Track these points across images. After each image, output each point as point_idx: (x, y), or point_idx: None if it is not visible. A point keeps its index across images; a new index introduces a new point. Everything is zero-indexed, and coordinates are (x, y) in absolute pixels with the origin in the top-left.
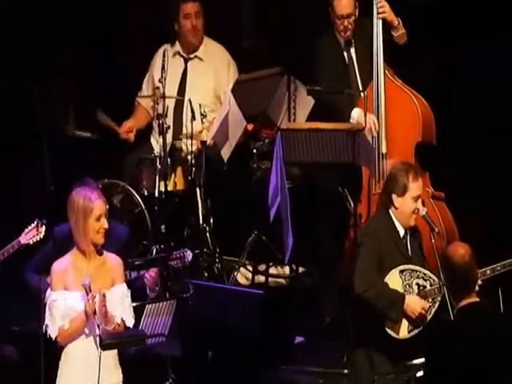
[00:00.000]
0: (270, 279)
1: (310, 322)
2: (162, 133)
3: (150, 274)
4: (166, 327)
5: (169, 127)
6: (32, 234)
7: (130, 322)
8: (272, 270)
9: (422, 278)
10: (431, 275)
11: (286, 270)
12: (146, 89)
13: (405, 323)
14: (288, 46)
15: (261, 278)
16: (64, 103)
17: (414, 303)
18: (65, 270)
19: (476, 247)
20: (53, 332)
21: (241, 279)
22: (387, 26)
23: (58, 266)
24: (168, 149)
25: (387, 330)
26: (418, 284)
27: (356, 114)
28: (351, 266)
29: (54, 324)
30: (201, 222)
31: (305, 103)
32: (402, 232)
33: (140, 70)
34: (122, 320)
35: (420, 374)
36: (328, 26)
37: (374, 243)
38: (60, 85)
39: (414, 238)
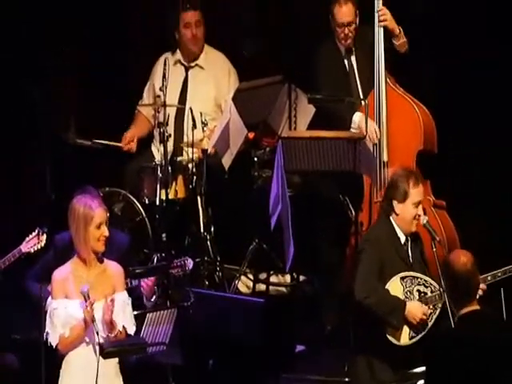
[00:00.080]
0: (270, 287)
1: (311, 331)
2: (163, 141)
3: (147, 283)
4: (166, 336)
5: (170, 135)
6: (33, 243)
7: (131, 330)
8: (273, 279)
9: (423, 284)
10: (432, 282)
11: (287, 278)
12: (146, 97)
13: (406, 330)
14: (289, 54)
15: (262, 287)
16: (65, 110)
17: (415, 309)
18: (65, 279)
19: (477, 255)
20: (53, 340)
21: (242, 287)
22: (388, 35)
23: (59, 274)
24: (169, 157)
25: (388, 336)
26: (418, 291)
27: (358, 118)
28: (352, 274)
29: (55, 332)
30: (202, 230)
31: (305, 111)
32: (403, 239)
33: (140, 70)
34: (124, 327)
35: (421, 382)
36: (328, 33)
37: (375, 250)
38: (60, 85)
39: (415, 245)
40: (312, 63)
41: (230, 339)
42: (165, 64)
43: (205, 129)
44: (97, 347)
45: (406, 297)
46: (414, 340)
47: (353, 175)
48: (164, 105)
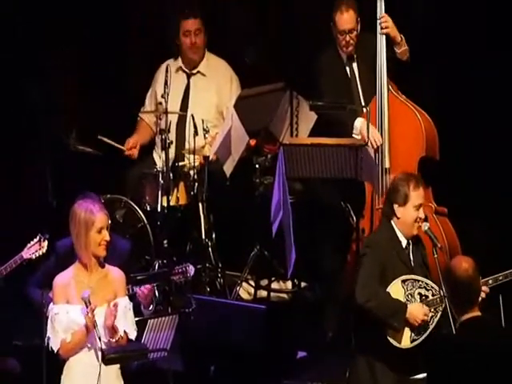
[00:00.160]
0: (272, 294)
1: (313, 337)
2: (165, 148)
3: (142, 290)
4: (168, 342)
5: (171, 142)
6: (34, 249)
7: (133, 335)
8: (274, 285)
9: (425, 287)
10: (433, 285)
11: (289, 284)
12: (148, 104)
13: (407, 332)
14: (290, 61)
15: (263, 293)
16: (66, 114)
17: (417, 311)
18: (67, 284)
19: (479, 260)
20: (55, 345)
21: (243, 294)
22: (390, 42)
23: (60, 279)
24: (170, 164)
25: (389, 338)
26: (420, 294)
27: (359, 123)
28: (353, 280)
29: (56, 337)
30: (203, 236)
31: (307, 118)
32: (404, 242)
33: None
34: (125, 332)
35: None
36: (330, 41)
37: (376, 254)
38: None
39: (416, 249)
40: (314, 70)
41: (232, 345)
42: (166, 71)
43: (206, 136)
44: (99, 353)
45: (407, 300)
46: (415, 343)
47: (354, 182)
48: (166, 112)
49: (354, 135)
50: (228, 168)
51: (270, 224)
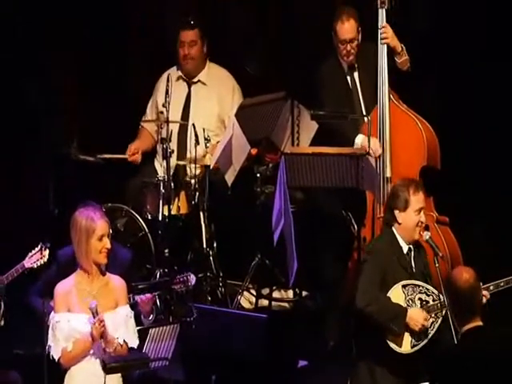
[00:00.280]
0: (273, 303)
1: (314, 346)
2: (166, 157)
3: (142, 299)
4: (169, 351)
5: (173, 151)
6: (36, 258)
7: (135, 343)
8: (275, 294)
9: (425, 293)
10: (434, 290)
11: (290, 293)
12: (149, 113)
13: (407, 337)
14: (291, 71)
15: (264, 302)
16: (66, 122)
17: (417, 315)
18: (68, 292)
19: (480, 269)
20: (56, 353)
21: (244, 303)
22: (391, 52)
23: (62, 287)
24: (172, 173)
25: (389, 342)
26: (420, 299)
27: (360, 140)
28: (355, 288)
29: (57, 345)
30: (204, 245)
31: (308, 128)
32: (405, 248)
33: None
34: (125, 341)
35: None
36: (331, 50)
37: (377, 260)
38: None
39: (418, 256)
40: (315, 80)
41: (233, 355)
42: (168, 80)
43: (207, 145)
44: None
45: (407, 305)
46: (415, 348)
47: (355, 191)
48: (167, 121)
49: None
50: (229, 177)
51: (271, 233)
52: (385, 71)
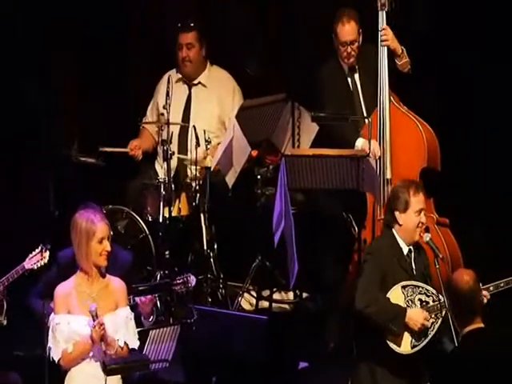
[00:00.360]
0: (273, 305)
1: (314, 348)
2: (166, 159)
3: (142, 300)
4: (169, 352)
5: (173, 153)
6: (36, 259)
7: (135, 344)
8: (276, 296)
9: (425, 293)
10: (434, 291)
11: (290, 295)
12: (150, 115)
13: (407, 338)
14: (292, 72)
15: (265, 304)
16: (66, 124)
17: (416, 315)
18: (68, 294)
19: (480, 271)
20: (56, 355)
21: (245, 305)
22: (391, 54)
23: (62, 289)
24: (172, 174)
25: (389, 342)
26: (420, 300)
27: (360, 143)
28: (355, 289)
29: (57, 347)
30: (205, 247)
31: (309, 129)
32: (405, 250)
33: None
34: (125, 343)
35: None
36: (332, 52)
37: (376, 261)
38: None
39: (418, 257)
40: (315, 82)
41: (233, 356)
42: (168, 82)
43: (208, 146)
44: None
45: (407, 305)
46: (416, 349)
47: (356, 192)
48: (168, 123)
49: None
50: (230, 179)
51: (272, 235)
52: (385, 73)
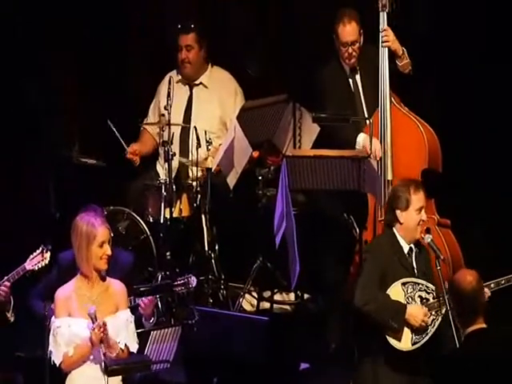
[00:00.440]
0: (274, 306)
1: (315, 349)
2: (168, 160)
3: (143, 302)
4: (170, 353)
5: (174, 154)
6: (37, 260)
7: (134, 348)
8: (277, 297)
9: (425, 290)
10: (434, 288)
11: (291, 296)
12: (152, 116)
13: (408, 334)
14: (293, 73)
15: (266, 305)
16: (67, 125)
17: (417, 311)
18: (68, 297)
19: (481, 273)
20: (57, 358)
21: (246, 306)
22: (392, 55)
23: (62, 292)
24: (173, 175)
25: (388, 338)
26: (420, 297)
27: (361, 139)
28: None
29: (58, 350)
30: (206, 248)
31: (310, 130)
32: (406, 248)
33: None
34: (126, 346)
35: None
36: (333, 53)
37: (376, 258)
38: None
39: (419, 255)
40: (316, 82)
41: (234, 357)
42: (169, 83)
43: (209, 147)
44: (102, 366)
45: (407, 302)
46: (416, 345)
47: (357, 194)
48: (169, 123)
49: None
50: (231, 180)
51: (273, 236)
52: (386, 74)
